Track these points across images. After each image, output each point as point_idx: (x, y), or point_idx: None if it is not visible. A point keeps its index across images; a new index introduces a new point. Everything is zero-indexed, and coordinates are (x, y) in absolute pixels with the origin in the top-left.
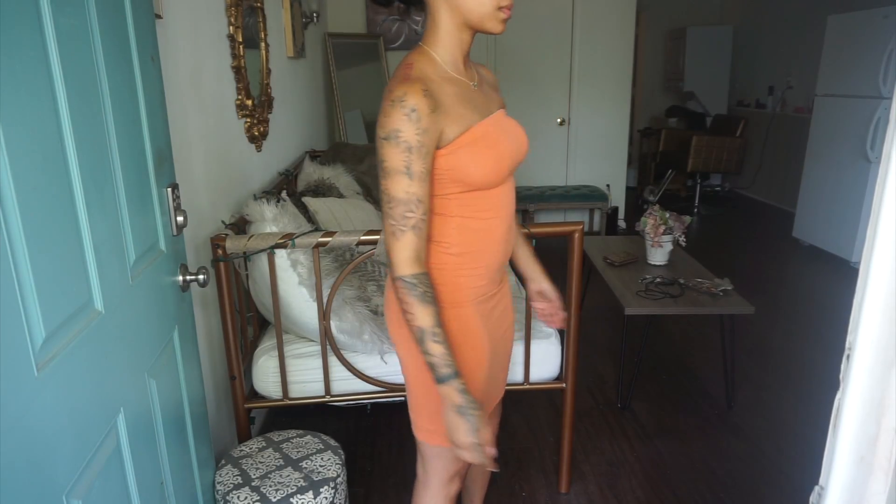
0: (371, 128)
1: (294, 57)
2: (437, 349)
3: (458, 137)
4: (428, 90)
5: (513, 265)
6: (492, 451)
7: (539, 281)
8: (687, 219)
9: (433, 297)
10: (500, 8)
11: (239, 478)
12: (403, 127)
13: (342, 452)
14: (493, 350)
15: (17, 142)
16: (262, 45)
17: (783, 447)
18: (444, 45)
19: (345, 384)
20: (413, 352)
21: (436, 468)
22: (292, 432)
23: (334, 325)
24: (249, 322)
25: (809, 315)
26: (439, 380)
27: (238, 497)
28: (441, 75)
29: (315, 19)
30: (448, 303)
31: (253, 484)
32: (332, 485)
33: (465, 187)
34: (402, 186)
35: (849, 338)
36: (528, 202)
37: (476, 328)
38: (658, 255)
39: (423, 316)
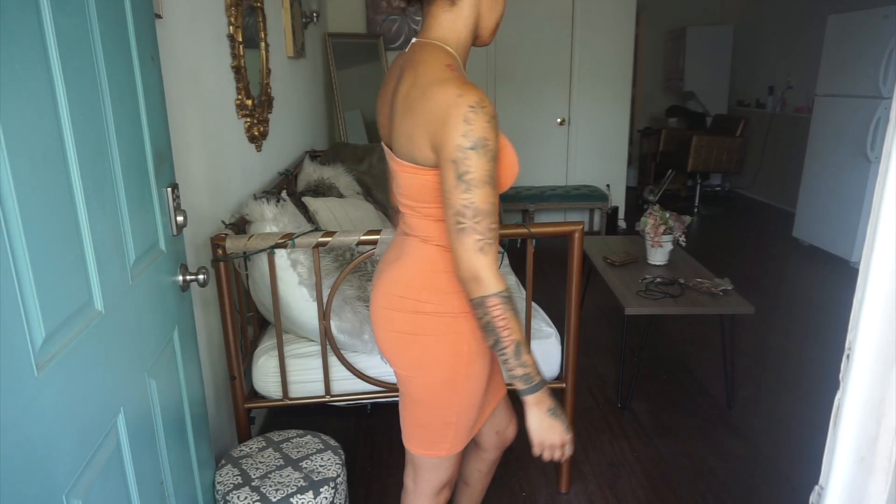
0: (371, 128)
1: (294, 57)
2: (529, 359)
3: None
4: None
5: None
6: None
7: None
8: (687, 219)
9: None
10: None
11: (239, 478)
12: (489, 135)
13: (342, 452)
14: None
15: (17, 142)
16: (262, 44)
17: (783, 447)
18: (462, 49)
19: (345, 384)
20: (425, 368)
21: (429, 479)
22: (292, 432)
23: (334, 325)
24: (249, 322)
25: (809, 315)
26: (535, 388)
27: (238, 497)
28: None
29: (315, 19)
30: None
31: (253, 484)
32: (332, 485)
33: None
34: (488, 198)
35: (849, 337)
36: (528, 202)
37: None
38: (658, 255)
39: (518, 328)
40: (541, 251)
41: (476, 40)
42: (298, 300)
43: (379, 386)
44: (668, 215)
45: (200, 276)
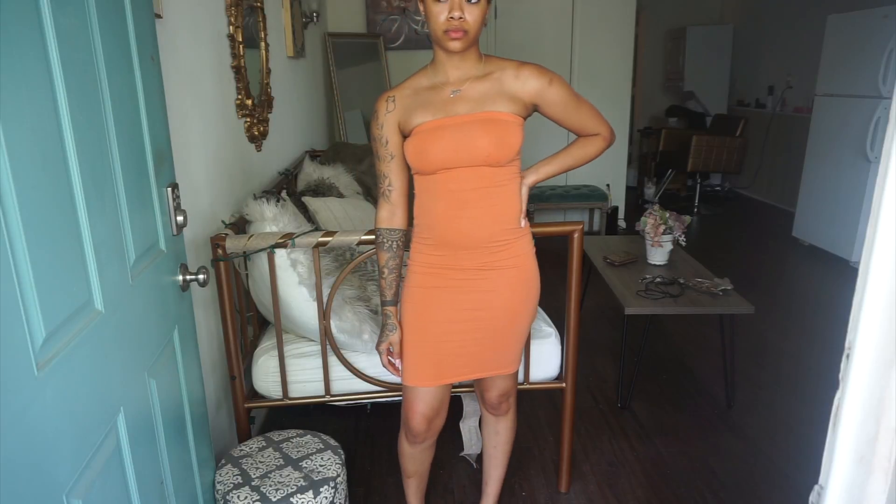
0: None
1: (294, 57)
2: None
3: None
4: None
5: None
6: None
7: (527, 175)
8: (687, 218)
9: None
10: (445, 32)
11: (239, 477)
12: (371, 122)
13: (342, 452)
14: (432, 315)
15: (17, 142)
16: (262, 44)
17: (783, 447)
18: (437, 54)
19: (345, 384)
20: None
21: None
22: (292, 432)
23: (334, 324)
24: (249, 322)
25: (809, 315)
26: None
27: (238, 497)
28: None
29: (315, 19)
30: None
31: (253, 483)
32: (332, 484)
33: (413, 171)
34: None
35: (849, 337)
36: (528, 202)
37: (413, 286)
38: (658, 255)
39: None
40: (541, 251)
41: (441, 46)
42: (298, 300)
43: (379, 386)
44: (667, 215)
45: (200, 276)
